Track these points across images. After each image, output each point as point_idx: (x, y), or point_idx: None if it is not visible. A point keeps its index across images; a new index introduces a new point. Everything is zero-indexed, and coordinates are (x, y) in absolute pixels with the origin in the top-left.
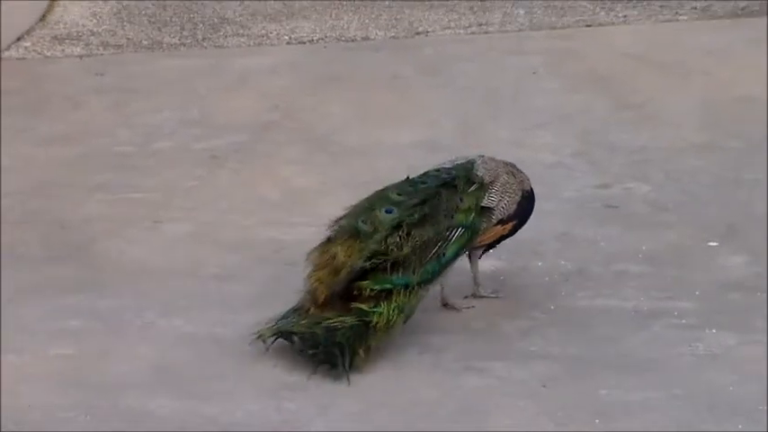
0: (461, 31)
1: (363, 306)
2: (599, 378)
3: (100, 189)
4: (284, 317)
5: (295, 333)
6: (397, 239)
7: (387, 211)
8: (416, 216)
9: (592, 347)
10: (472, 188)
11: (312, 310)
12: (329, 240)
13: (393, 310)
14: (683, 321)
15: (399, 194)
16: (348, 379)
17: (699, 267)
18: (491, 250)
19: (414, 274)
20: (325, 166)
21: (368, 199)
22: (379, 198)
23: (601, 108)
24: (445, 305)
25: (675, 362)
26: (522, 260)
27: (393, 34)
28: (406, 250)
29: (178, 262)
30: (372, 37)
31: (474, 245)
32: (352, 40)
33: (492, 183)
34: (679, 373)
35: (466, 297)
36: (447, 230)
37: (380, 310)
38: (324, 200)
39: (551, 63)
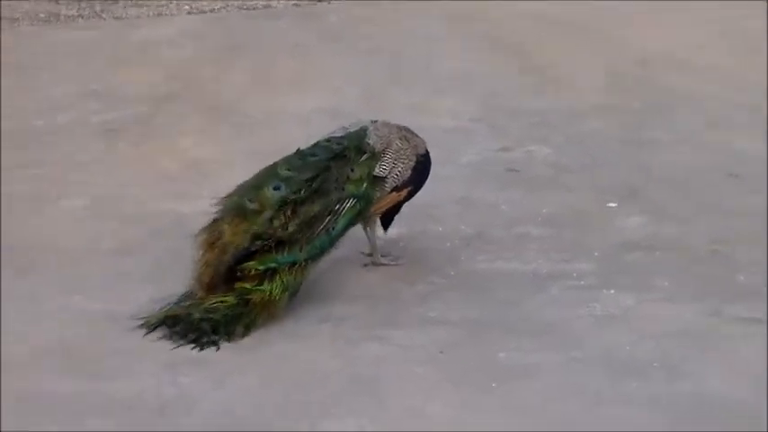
0: None
1: (246, 285)
2: (497, 341)
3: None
4: (176, 302)
5: (178, 317)
6: (283, 219)
7: (275, 188)
8: (304, 193)
9: (491, 311)
10: (364, 158)
11: (200, 293)
12: (216, 221)
13: (276, 288)
14: (582, 283)
15: (289, 169)
16: (218, 347)
17: (598, 229)
18: (395, 217)
19: (301, 251)
20: (227, 137)
21: (257, 175)
22: (268, 174)
23: (504, 72)
24: (374, 264)
25: (574, 324)
26: (422, 225)
27: (295, 1)
28: (291, 229)
29: (76, 238)
30: (274, 5)
31: (369, 214)
32: (254, 8)
33: (384, 150)
34: (577, 334)
35: (366, 266)
36: (337, 203)
37: (263, 288)
38: (225, 171)
39: (457, 26)
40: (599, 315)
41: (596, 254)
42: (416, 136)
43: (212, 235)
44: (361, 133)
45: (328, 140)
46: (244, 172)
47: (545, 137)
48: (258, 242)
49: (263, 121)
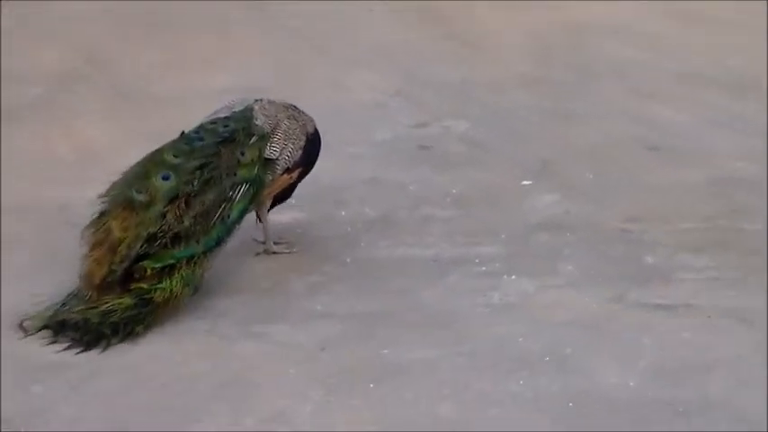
0: None
1: (144, 285)
2: (383, 337)
3: None
4: (62, 303)
5: (66, 322)
6: (177, 212)
7: (163, 178)
8: (196, 184)
9: (382, 302)
10: (253, 140)
11: (91, 294)
12: (103, 214)
13: (176, 284)
14: (483, 269)
15: (176, 156)
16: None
17: (509, 209)
18: (285, 201)
19: (198, 243)
20: (127, 118)
21: (142, 163)
22: (154, 162)
23: (431, 44)
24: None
25: (467, 314)
26: (324, 210)
27: None
28: (187, 222)
29: None
30: None
31: (262, 198)
32: None
33: (273, 131)
34: (469, 327)
35: (258, 254)
36: (230, 190)
37: (163, 286)
38: (121, 155)
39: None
40: (496, 304)
41: (503, 236)
42: (304, 114)
43: (99, 231)
44: (248, 113)
45: (214, 123)
46: (140, 155)
47: (464, 111)
48: (155, 243)
49: (168, 101)
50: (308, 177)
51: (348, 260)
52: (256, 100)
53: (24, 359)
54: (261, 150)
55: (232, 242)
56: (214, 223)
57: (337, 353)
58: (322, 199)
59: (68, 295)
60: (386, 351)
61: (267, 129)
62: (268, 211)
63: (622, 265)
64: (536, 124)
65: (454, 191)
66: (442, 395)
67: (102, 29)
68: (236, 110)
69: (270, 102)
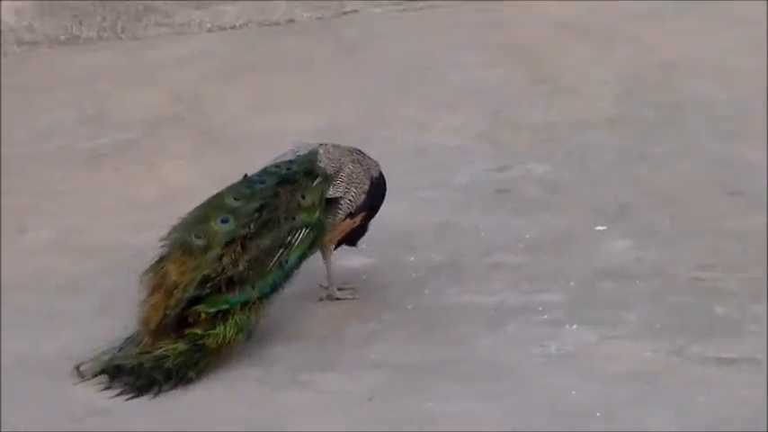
0: (391, 8)
1: (198, 330)
2: (432, 388)
3: None
4: (119, 348)
5: (121, 367)
6: (232, 256)
7: (222, 221)
8: (253, 227)
9: (437, 352)
10: (316, 182)
11: (146, 339)
12: (162, 259)
13: (230, 330)
14: (545, 317)
15: (236, 199)
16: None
17: (580, 255)
18: (355, 246)
19: (253, 288)
20: (213, 160)
21: (202, 206)
22: (214, 206)
23: (517, 83)
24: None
25: (522, 365)
26: (393, 255)
27: (319, 15)
28: (241, 266)
29: (25, 273)
30: (298, 19)
31: (323, 243)
32: (276, 24)
33: (336, 174)
34: (522, 378)
35: (320, 300)
36: (289, 234)
37: (216, 332)
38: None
39: (477, 37)
40: (553, 354)
41: (572, 283)
42: (369, 158)
43: (157, 275)
44: (312, 157)
45: (277, 166)
46: None
47: (547, 153)
48: (208, 285)
49: (254, 143)
50: (378, 221)
51: (410, 307)
52: (321, 144)
53: (76, 403)
54: (323, 193)
55: (294, 286)
56: (271, 268)
57: (382, 404)
58: (391, 243)
59: (126, 340)
60: (430, 404)
61: (330, 171)
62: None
63: (689, 315)
64: (617, 166)
65: (527, 236)
66: None
67: (200, 73)
68: (301, 153)
69: (334, 146)
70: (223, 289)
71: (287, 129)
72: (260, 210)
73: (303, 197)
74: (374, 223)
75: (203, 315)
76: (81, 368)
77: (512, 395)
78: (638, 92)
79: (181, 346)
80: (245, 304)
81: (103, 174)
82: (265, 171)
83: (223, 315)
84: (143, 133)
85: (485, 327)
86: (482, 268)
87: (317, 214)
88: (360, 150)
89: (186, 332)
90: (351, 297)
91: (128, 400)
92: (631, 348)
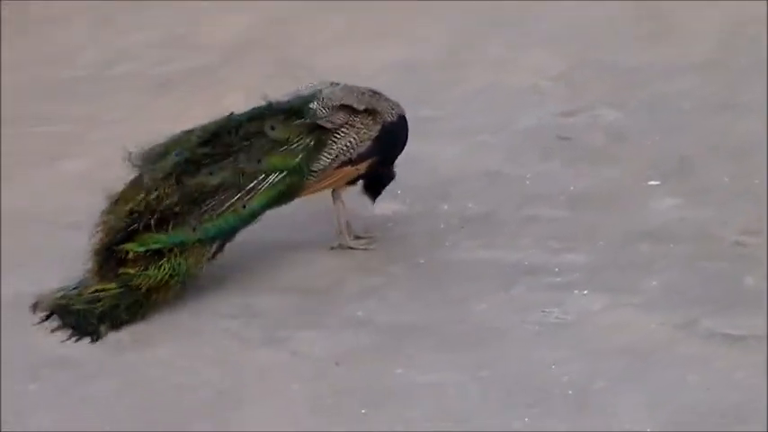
0: None
1: (130, 270)
2: (408, 353)
3: (16, 121)
4: (74, 287)
5: (65, 307)
6: (163, 191)
7: (176, 154)
8: (191, 161)
9: (429, 313)
10: (297, 121)
11: (93, 279)
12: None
13: (162, 273)
14: (558, 279)
15: (198, 135)
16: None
17: (622, 212)
18: (377, 195)
19: (194, 230)
20: (279, 93)
21: (169, 139)
22: (176, 140)
23: (620, 22)
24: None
25: (513, 333)
26: (428, 203)
27: None
28: (170, 202)
29: (46, 207)
30: None
31: (315, 189)
32: None
33: (331, 116)
34: (507, 348)
35: (332, 248)
36: (251, 178)
37: (148, 273)
38: None
39: None
40: (549, 323)
41: (601, 243)
42: (384, 101)
43: (106, 212)
44: (309, 98)
45: (269, 104)
46: None
47: (623, 99)
48: (134, 217)
49: (328, 75)
50: (425, 165)
51: (422, 261)
52: (332, 84)
53: (33, 350)
54: (304, 135)
55: (307, 232)
56: (223, 211)
57: (349, 370)
58: (431, 190)
59: (79, 280)
60: (399, 371)
61: (322, 114)
62: (372, 200)
63: (715, 284)
64: (693, 115)
65: (572, 188)
66: (436, 427)
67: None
68: (305, 93)
69: (344, 87)
70: (153, 227)
71: (366, 61)
72: (204, 143)
73: (273, 128)
74: (420, 166)
75: (131, 254)
76: (38, 305)
77: (489, 367)
78: (737, 41)
79: (113, 286)
80: (181, 246)
81: (163, 102)
82: (254, 109)
83: (156, 255)
84: (221, 59)
85: (491, 287)
86: (515, 221)
87: (296, 159)
88: (375, 92)
89: (120, 272)
90: (364, 248)
91: (75, 342)
92: (637, 319)
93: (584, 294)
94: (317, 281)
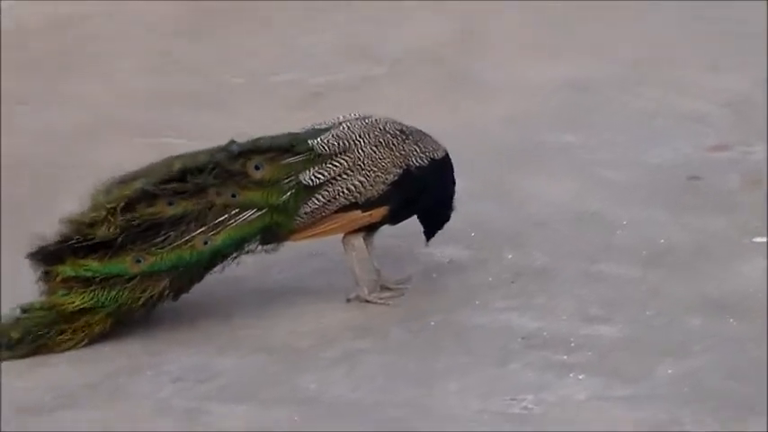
0: None
1: (60, 291)
2: None
3: (150, 130)
4: None
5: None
6: (107, 218)
7: (142, 183)
8: (151, 190)
9: (387, 392)
10: (291, 159)
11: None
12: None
13: (84, 301)
14: (564, 358)
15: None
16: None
17: (703, 274)
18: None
19: (137, 262)
20: (447, 107)
21: (153, 164)
22: (158, 166)
23: None
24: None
25: (457, 424)
26: (495, 250)
27: None
28: (112, 230)
29: None
30: None
31: (313, 233)
32: None
33: (334, 155)
34: None
35: (348, 300)
36: (221, 212)
37: (69, 297)
38: None
39: None
40: (509, 414)
41: (649, 313)
42: (415, 142)
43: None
44: (318, 132)
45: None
46: None
47: None
48: (70, 240)
49: (494, 91)
50: (519, 204)
51: (432, 323)
52: (357, 118)
53: None
54: (294, 172)
55: (339, 277)
56: (177, 245)
57: None
58: (509, 234)
59: None
60: None
61: (322, 150)
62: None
63: (747, 381)
64: None
65: (662, 241)
66: None
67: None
68: (321, 127)
69: (368, 123)
70: (82, 251)
71: (535, 78)
72: (172, 179)
73: (257, 167)
74: (513, 204)
75: (59, 276)
76: None
77: None
78: None
79: (41, 305)
80: (117, 278)
81: (303, 116)
82: (257, 138)
83: (85, 283)
84: (388, 70)
85: (484, 361)
86: (572, 279)
87: (282, 197)
88: (406, 130)
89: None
90: (383, 302)
91: None
92: (612, 416)
93: (579, 379)
94: (299, 340)
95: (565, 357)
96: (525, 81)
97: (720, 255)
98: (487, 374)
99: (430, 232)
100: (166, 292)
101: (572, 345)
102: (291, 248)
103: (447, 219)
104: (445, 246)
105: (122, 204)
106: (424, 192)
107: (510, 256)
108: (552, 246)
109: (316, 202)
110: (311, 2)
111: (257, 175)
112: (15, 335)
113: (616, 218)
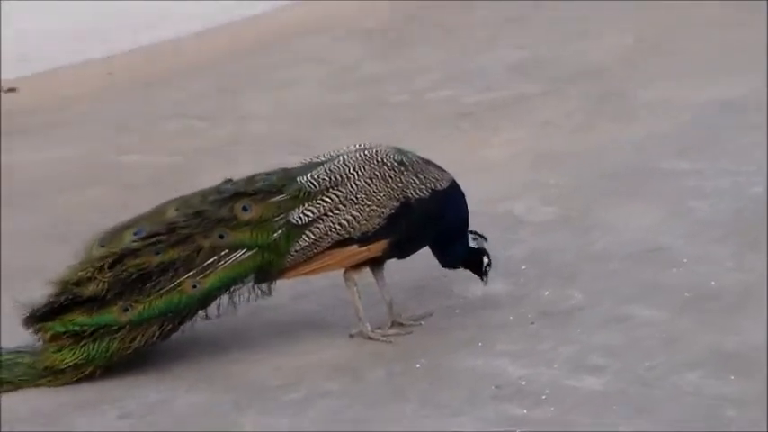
0: None
1: (48, 345)
2: None
3: (279, 146)
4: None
5: None
6: (94, 274)
7: (135, 233)
8: (139, 245)
9: None
10: (278, 198)
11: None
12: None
13: (75, 357)
14: (525, 412)
15: (177, 209)
16: None
17: (736, 320)
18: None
19: (125, 311)
20: (586, 129)
21: (149, 211)
22: (151, 213)
23: None
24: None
25: None
26: (534, 287)
27: None
28: (99, 286)
29: None
30: None
31: (307, 270)
32: None
33: (324, 191)
34: None
35: (351, 336)
36: (210, 254)
37: (59, 354)
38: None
39: None
40: None
41: (648, 364)
42: (416, 174)
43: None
44: (312, 166)
45: (268, 174)
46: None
47: None
48: (58, 298)
49: (640, 111)
50: (588, 236)
51: (418, 365)
52: (359, 149)
53: None
54: (283, 211)
55: (324, 312)
56: (164, 291)
57: None
58: (559, 270)
59: None
60: None
61: (311, 187)
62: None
63: None
64: None
65: (713, 283)
66: None
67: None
68: (314, 161)
69: (365, 156)
70: (70, 307)
71: (684, 97)
72: (163, 234)
73: (245, 209)
74: (582, 237)
75: (49, 334)
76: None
77: None
78: None
79: (29, 355)
80: (106, 328)
81: (448, 135)
82: (252, 176)
83: (76, 338)
84: (546, 87)
85: (432, 414)
86: (593, 321)
87: (272, 236)
88: (403, 162)
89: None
90: (385, 339)
91: None
92: None
93: None
94: (274, 378)
95: (524, 412)
96: (677, 100)
97: (762, 301)
98: (427, 427)
99: (448, 264)
100: (156, 336)
101: (543, 398)
102: (318, 278)
103: (467, 252)
104: (492, 280)
105: (109, 261)
106: (428, 224)
107: (546, 293)
108: (595, 283)
109: (306, 239)
110: (501, 19)
111: (245, 216)
112: (4, 374)
113: (679, 254)
